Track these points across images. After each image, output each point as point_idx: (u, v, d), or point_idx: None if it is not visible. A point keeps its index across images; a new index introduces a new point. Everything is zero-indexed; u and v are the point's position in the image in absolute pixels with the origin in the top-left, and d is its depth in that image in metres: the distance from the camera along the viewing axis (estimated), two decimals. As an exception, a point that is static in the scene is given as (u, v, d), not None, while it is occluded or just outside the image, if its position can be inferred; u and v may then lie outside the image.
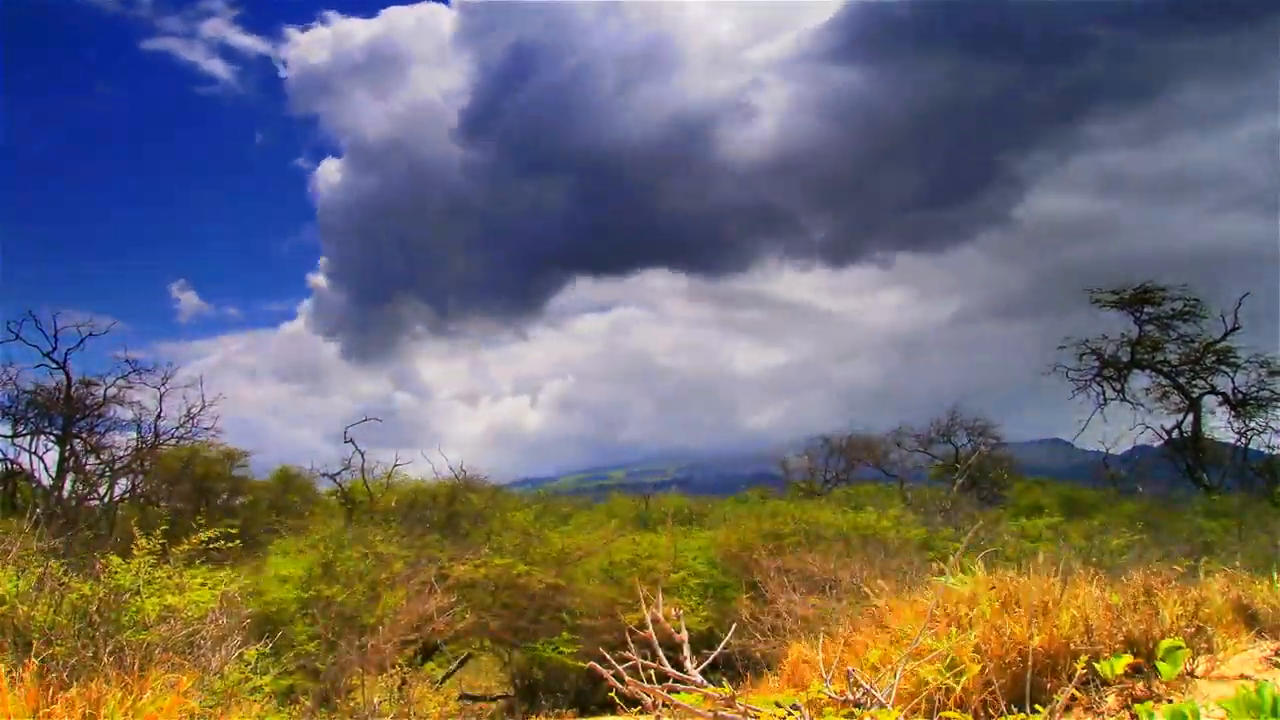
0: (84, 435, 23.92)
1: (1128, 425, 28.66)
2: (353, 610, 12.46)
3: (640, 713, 3.64)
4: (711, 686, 3.61)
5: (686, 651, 3.85)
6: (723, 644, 4.08)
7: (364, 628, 11.92)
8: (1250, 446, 27.64)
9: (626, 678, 3.41)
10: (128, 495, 23.69)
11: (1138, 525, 17.91)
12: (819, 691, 3.72)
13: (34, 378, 23.63)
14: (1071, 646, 5.01)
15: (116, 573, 6.99)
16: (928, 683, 4.42)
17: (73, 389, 23.61)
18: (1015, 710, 4.41)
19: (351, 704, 9.47)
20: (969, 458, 27.86)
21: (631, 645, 3.74)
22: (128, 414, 24.17)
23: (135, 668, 5.66)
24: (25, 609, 6.21)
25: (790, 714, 3.54)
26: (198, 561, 8.16)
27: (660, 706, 3.44)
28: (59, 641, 5.99)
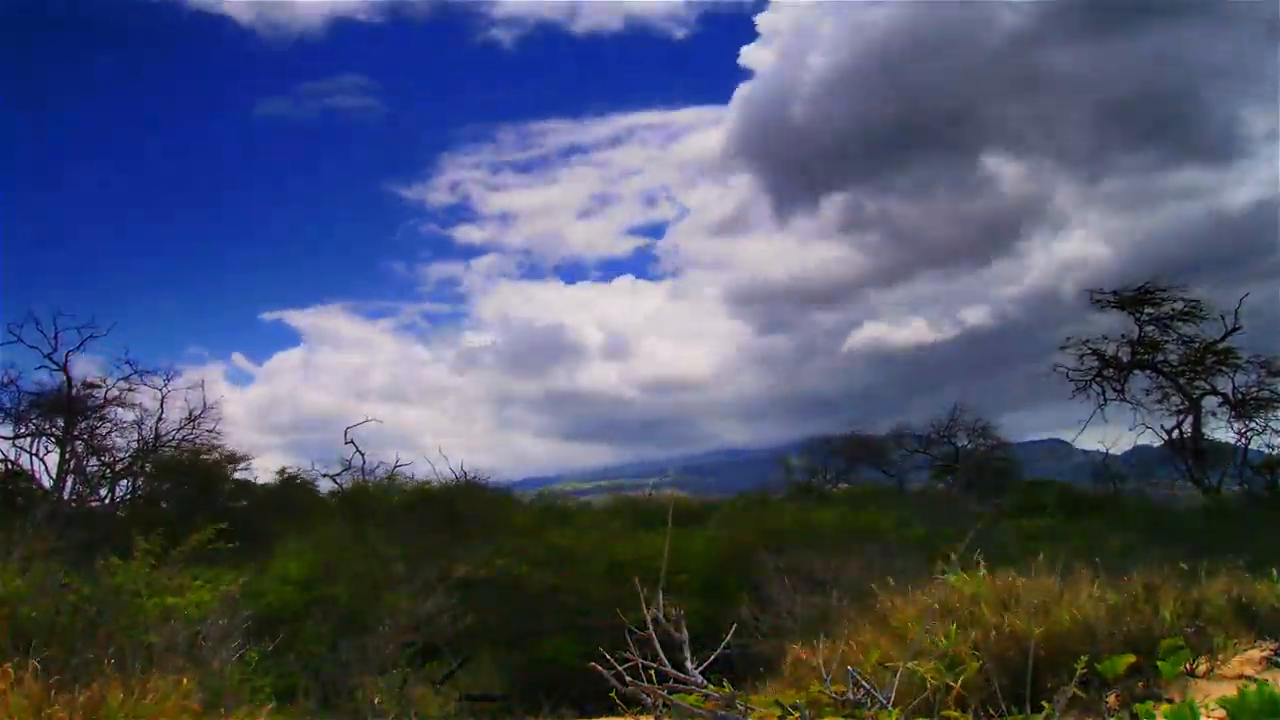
0: (85, 437, 23.90)
1: (1128, 425, 28.63)
2: (354, 610, 12.46)
3: (641, 713, 3.64)
4: (712, 687, 3.61)
5: (687, 651, 3.86)
6: (723, 644, 4.08)
7: (365, 628, 11.92)
8: (1250, 446, 27.62)
9: (627, 678, 3.41)
10: (129, 497, 23.68)
11: (1138, 525, 17.91)
12: (819, 692, 3.73)
13: (36, 379, 23.65)
14: (1072, 646, 5.01)
15: (117, 574, 7.00)
16: (927, 682, 4.42)
17: (74, 391, 23.60)
18: (1015, 710, 4.42)
19: (352, 704, 9.47)
20: (969, 458, 27.86)
21: (632, 645, 3.74)
22: (129, 416, 24.19)
23: (136, 668, 5.66)
24: (27, 610, 6.22)
25: (790, 714, 3.54)
26: (196, 567, 8.16)
27: (660, 706, 3.44)
28: (61, 642, 5.99)
